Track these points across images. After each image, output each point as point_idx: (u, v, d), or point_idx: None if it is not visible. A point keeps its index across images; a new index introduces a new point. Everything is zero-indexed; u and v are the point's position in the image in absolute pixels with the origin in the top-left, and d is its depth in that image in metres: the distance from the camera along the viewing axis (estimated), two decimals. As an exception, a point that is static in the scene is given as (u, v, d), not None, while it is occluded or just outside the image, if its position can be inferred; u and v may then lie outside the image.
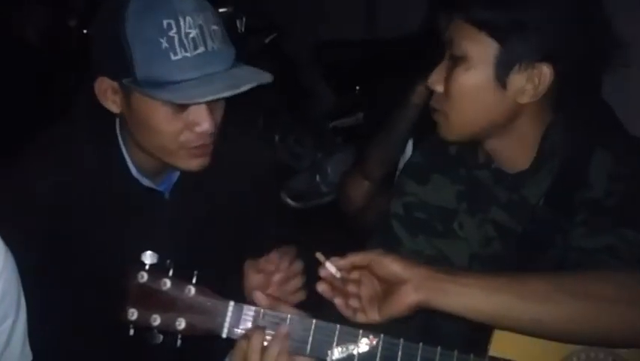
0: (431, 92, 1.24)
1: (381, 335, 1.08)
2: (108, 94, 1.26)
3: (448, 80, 1.18)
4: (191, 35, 1.18)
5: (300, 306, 1.14)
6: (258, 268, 1.36)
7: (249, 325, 1.06)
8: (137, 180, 1.36)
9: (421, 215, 1.31)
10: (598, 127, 1.27)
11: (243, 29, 3.53)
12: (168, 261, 1.07)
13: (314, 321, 1.07)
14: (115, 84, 1.24)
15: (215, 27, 1.21)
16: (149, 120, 1.24)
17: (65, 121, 1.37)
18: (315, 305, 1.16)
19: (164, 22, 1.17)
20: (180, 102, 1.20)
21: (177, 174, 1.39)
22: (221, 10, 3.44)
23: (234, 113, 1.49)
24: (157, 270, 1.05)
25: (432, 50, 2.04)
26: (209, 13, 1.22)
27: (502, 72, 1.14)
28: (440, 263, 1.30)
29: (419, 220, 1.31)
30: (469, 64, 1.15)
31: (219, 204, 1.43)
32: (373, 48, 2.95)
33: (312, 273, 1.64)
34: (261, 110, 3.34)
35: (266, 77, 1.24)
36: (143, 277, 1.05)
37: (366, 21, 3.33)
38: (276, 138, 3.17)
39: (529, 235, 1.25)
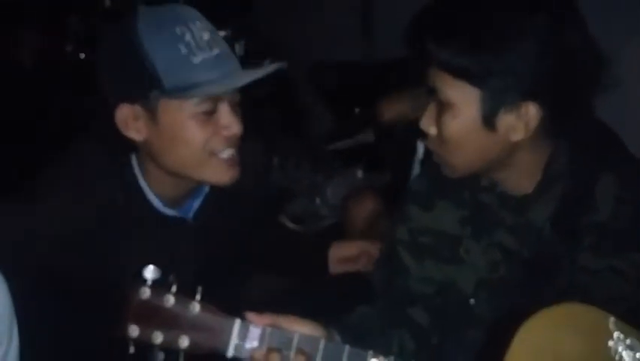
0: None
1: (392, 358, 1.05)
2: (129, 122, 1.25)
3: (438, 123, 1.17)
4: (205, 38, 1.21)
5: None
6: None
7: (256, 343, 1.02)
8: (158, 210, 1.34)
9: (427, 241, 1.30)
10: (603, 150, 1.25)
11: (242, 53, 3.54)
12: (171, 276, 1.04)
13: (322, 340, 1.04)
14: (137, 109, 1.24)
15: (218, 32, 1.26)
16: (180, 132, 1.24)
17: (78, 157, 1.35)
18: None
19: (178, 30, 1.20)
20: (215, 93, 1.21)
21: (200, 199, 1.38)
22: (219, 34, 3.44)
23: (258, 158, 1.52)
24: (160, 286, 1.02)
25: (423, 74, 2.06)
26: (208, 21, 1.26)
27: (488, 115, 1.12)
28: (448, 289, 1.29)
29: (425, 246, 1.30)
30: (455, 110, 1.14)
31: (235, 226, 1.44)
32: (372, 70, 2.96)
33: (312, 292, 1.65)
34: (260, 133, 3.32)
35: (274, 66, 1.27)
36: (146, 293, 1.02)
37: (363, 43, 3.34)
38: (275, 161, 3.15)
39: (535, 259, 1.23)
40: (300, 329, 1.04)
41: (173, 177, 1.31)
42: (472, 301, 1.28)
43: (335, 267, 1.67)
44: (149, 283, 1.02)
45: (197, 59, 1.19)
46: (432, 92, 1.18)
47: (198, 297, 1.03)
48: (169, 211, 1.36)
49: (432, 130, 1.19)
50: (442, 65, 1.13)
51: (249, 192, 1.44)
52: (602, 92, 1.18)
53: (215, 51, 1.21)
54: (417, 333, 1.28)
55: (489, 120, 1.13)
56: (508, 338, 1.05)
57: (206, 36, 1.21)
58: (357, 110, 2.86)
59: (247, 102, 3.60)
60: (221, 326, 1.02)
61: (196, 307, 1.02)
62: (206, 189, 1.39)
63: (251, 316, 1.04)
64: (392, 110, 2.29)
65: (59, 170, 1.33)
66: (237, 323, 1.03)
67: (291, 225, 2.79)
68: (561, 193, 1.21)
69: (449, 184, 1.28)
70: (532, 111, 1.12)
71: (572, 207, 1.21)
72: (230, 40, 3.44)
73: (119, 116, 1.25)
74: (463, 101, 1.13)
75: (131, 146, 1.30)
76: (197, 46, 1.19)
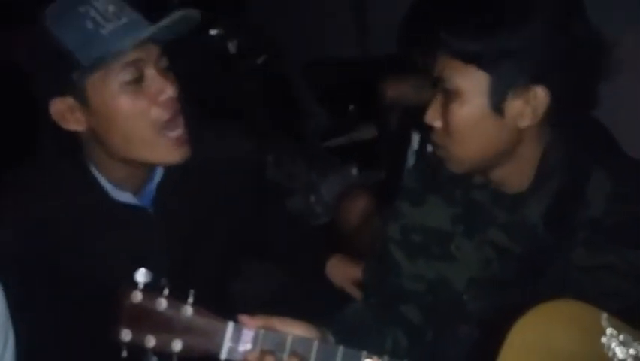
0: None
1: (386, 357, 1.05)
2: (66, 115, 1.25)
3: (445, 115, 1.16)
4: (110, 10, 1.22)
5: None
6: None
7: (249, 346, 1.02)
8: (113, 199, 1.33)
9: (418, 238, 1.29)
10: (596, 147, 1.25)
11: (235, 51, 3.53)
12: (163, 279, 1.03)
13: (316, 342, 1.03)
14: (68, 100, 1.24)
15: (126, 3, 1.25)
16: (115, 108, 1.23)
17: (29, 163, 1.36)
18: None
19: (81, 9, 1.21)
20: (124, 47, 1.20)
21: (155, 183, 1.37)
22: (212, 31, 3.44)
23: (227, 134, 1.49)
24: (152, 289, 1.02)
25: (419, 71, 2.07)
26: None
27: (497, 100, 1.12)
28: (440, 286, 1.28)
29: (416, 243, 1.29)
30: (463, 98, 1.14)
31: (207, 209, 1.41)
32: (366, 67, 2.96)
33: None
34: (253, 130, 3.32)
35: (179, 14, 1.24)
36: (137, 296, 1.01)
37: (358, 39, 3.34)
38: (270, 158, 3.15)
39: (529, 256, 1.23)
40: (294, 330, 1.04)
41: (124, 163, 1.30)
42: (465, 297, 1.28)
43: (338, 279, 1.67)
44: (141, 286, 1.02)
45: (105, 30, 1.20)
46: (436, 84, 1.17)
47: (191, 300, 1.02)
48: (126, 197, 1.34)
49: (437, 123, 1.18)
50: (452, 51, 1.12)
51: (228, 178, 1.43)
52: (604, 81, 1.18)
53: (124, 20, 1.21)
54: (409, 330, 1.28)
55: (497, 106, 1.13)
56: (502, 335, 1.05)
57: (111, 8, 1.22)
58: (351, 107, 2.85)
59: (240, 99, 3.59)
60: (214, 328, 1.02)
61: (188, 310, 1.01)
62: (159, 172, 1.37)
63: (243, 318, 1.03)
64: (395, 89, 2.27)
65: (17, 178, 1.34)
66: (230, 325, 1.02)
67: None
68: (555, 189, 1.21)
69: (441, 181, 1.27)
70: (540, 95, 1.12)
71: (565, 204, 1.21)
72: (223, 39, 3.47)
73: (54, 112, 1.25)
74: (472, 87, 1.13)
75: (77, 138, 1.29)
76: (103, 18, 1.21)
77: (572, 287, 1.20)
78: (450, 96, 1.15)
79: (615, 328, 1.07)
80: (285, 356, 1.02)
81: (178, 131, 1.27)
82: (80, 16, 1.21)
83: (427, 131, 1.25)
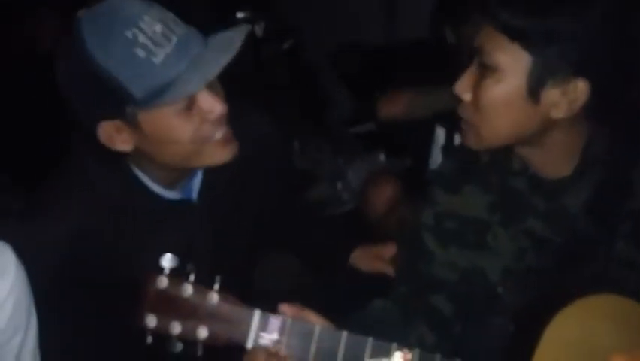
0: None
1: (417, 350, 1.02)
2: (114, 136, 1.20)
3: (476, 89, 1.12)
4: (158, 32, 1.13)
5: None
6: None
7: (276, 335, 1.00)
8: (159, 196, 1.31)
9: (453, 225, 1.25)
10: None
11: (261, 34, 3.50)
12: (189, 265, 1.01)
13: (344, 333, 1.01)
14: (117, 122, 1.19)
15: (169, 14, 1.17)
16: (168, 134, 1.19)
17: (77, 163, 1.31)
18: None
19: (129, 34, 1.12)
20: (190, 93, 1.15)
21: (198, 178, 1.35)
22: (239, 14, 3.41)
23: (259, 122, 1.47)
24: (178, 275, 1.00)
25: (447, 56, 2.03)
26: (155, 5, 1.18)
27: (535, 86, 1.07)
28: (474, 276, 1.25)
29: (450, 231, 1.25)
30: (500, 75, 1.09)
31: (246, 199, 1.41)
32: (393, 53, 2.91)
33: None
34: (279, 116, 3.30)
35: (244, 29, 1.19)
36: (163, 282, 0.99)
37: (385, 25, 3.29)
38: (296, 145, 3.13)
39: (569, 247, 1.19)
40: (322, 323, 1.02)
41: (172, 169, 1.29)
42: (499, 289, 1.24)
43: (367, 265, 1.64)
44: (167, 271, 1.00)
45: (158, 59, 1.12)
46: (474, 55, 1.12)
47: (217, 286, 1.00)
48: (171, 194, 1.33)
49: (467, 96, 1.14)
50: (499, 24, 1.07)
51: (258, 164, 1.41)
52: None
53: (174, 40, 1.14)
54: (438, 323, 1.25)
55: (534, 91, 1.08)
56: (539, 329, 1.03)
57: (158, 28, 1.13)
58: (377, 93, 2.82)
59: (266, 83, 3.57)
60: (240, 316, 1.00)
61: (214, 297, 0.99)
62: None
63: (283, 307, 1.01)
64: (389, 108, 2.27)
65: (61, 179, 1.30)
66: (257, 313, 1.00)
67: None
68: (598, 179, 1.17)
69: (476, 168, 1.23)
70: (580, 89, 1.07)
71: (608, 194, 1.16)
72: (250, 22, 3.45)
73: (101, 134, 1.20)
74: (512, 66, 1.08)
75: (122, 153, 1.26)
76: (153, 43, 1.12)
77: (612, 281, 1.16)
78: (486, 71, 1.10)
79: (658, 324, 1.03)
80: (313, 347, 0.99)
81: (223, 131, 1.23)
82: (130, 42, 1.12)
83: (452, 123, 1.21)
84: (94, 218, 1.25)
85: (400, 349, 1.01)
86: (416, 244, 1.28)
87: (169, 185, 1.32)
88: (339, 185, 2.83)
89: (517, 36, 1.06)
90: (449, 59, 2.05)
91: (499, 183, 1.23)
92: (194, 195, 1.36)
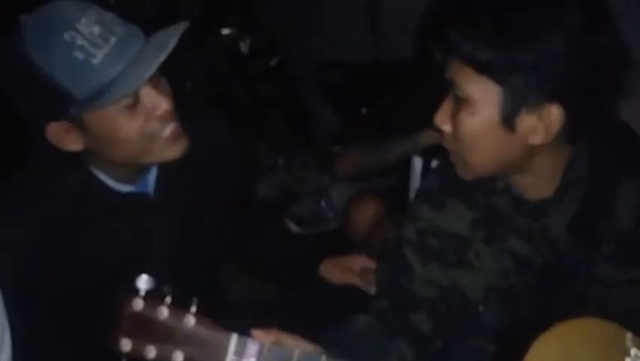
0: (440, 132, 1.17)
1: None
2: (63, 137, 1.23)
3: (454, 121, 1.12)
4: (96, 33, 1.15)
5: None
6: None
7: (253, 360, 0.98)
8: (115, 190, 1.33)
9: (435, 243, 1.25)
10: (625, 156, 1.20)
11: (246, 51, 3.51)
12: (166, 287, 1.01)
13: (323, 357, 1.00)
14: (64, 123, 1.21)
15: (108, 14, 1.19)
16: (114, 132, 1.21)
17: (32, 165, 1.33)
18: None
19: (66, 37, 1.14)
20: (131, 91, 1.16)
21: (153, 173, 1.37)
22: (224, 31, 3.42)
23: (232, 131, 1.50)
24: (154, 297, 0.98)
25: (431, 75, 2.05)
26: (94, 6, 1.20)
27: (508, 115, 1.07)
28: (454, 295, 1.24)
29: (432, 248, 1.25)
30: (473, 108, 1.09)
31: (202, 196, 1.42)
32: (378, 70, 2.92)
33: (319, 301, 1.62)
34: (263, 133, 3.30)
35: (182, 26, 1.20)
36: (139, 304, 0.97)
37: (370, 42, 3.30)
38: (280, 162, 3.13)
39: (550, 267, 1.18)
40: (300, 346, 1.01)
41: (125, 166, 1.30)
42: (481, 308, 1.24)
43: (336, 276, 1.64)
44: (142, 293, 0.98)
45: (97, 60, 1.14)
46: (449, 87, 1.12)
47: (193, 309, 0.99)
48: (127, 188, 1.34)
49: (446, 127, 1.14)
50: (464, 58, 1.07)
51: (213, 164, 1.43)
52: (627, 97, 1.13)
53: (112, 40, 1.15)
54: (417, 341, 1.24)
55: (509, 120, 1.07)
56: (521, 350, 1.02)
57: (96, 30, 1.15)
58: (363, 110, 2.82)
59: (252, 100, 3.58)
60: (217, 340, 0.98)
61: (191, 320, 0.98)
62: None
63: (257, 333, 1.00)
64: (343, 167, 2.35)
65: (19, 176, 1.32)
66: (234, 337, 0.98)
67: (294, 227, 2.77)
68: (580, 199, 1.16)
69: (461, 184, 1.23)
70: (554, 114, 1.06)
71: (591, 214, 1.16)
72: (235, 39, 3.46)
73: (49, 135, 1.22)
74: (483, 98, 1.07)
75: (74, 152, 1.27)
76: (91, 45, 1.14)
77: (595, 303, 1.16)
78: (461, 103, 1.10)
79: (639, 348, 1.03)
80: None
81: (171, 127, 1.25)
82: (68, 45, 1.14)
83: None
84: (54, 214, 1.27)
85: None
86: (397, 259, 1.28)
87: (125, 180, 1.34)
88: (322, 202, 2.82)
89: (483, 68, 1.06)
90: (435, 77, 2.07)
91: (482, 200, 1.23)
92: (151, 189, 1.37)
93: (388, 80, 2.46)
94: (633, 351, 1.03)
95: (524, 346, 1.02)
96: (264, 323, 1.03)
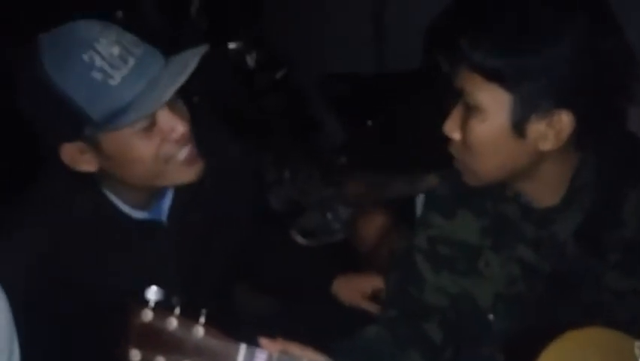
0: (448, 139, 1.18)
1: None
2: (77, 157, 1.22)
3: (464, 128, 1.13)
4: (115, 54, 1.15)
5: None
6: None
7: (262, 370, 0.98)
8: (128, 216, 1.32)
9: (445, 251, 1.25)
10: (633, 163, 1.21)
11: (253, 65, 3.53)
12: (175, 298, 1.00)
13: (332, 367, 1.00)
14: (79, 144, 1.21)
15: (127, 36, 1.19)
16: (129, 154, 1.21)
17: (44, 187, 1.33)
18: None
19: (85, 57, 1.14)
20: (148, 113, 1.16)
21: (168, 199, 1.37)
22: (231, 45, 3.44)
23: (242, 148, 1.50)
24: (163, 308, 0.99)
25: (437, 87, 2.06)
26: (113, 27, 1.19)
27: (519, 122, 1.08)
28: (464, 303, 1.24)
29: (443, 256, 1.26)
30: (484, 115, 1.09)
31: (217, 222, 1.41)
32: (383, 81, 2.93)
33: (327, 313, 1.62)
34: (269, 146, 3.32)
35: (202, 49, 1.20)
36: (148, 315, 0.98)
37: (375, 54, 3.32)
38: (286, 174, 3.13)
39: (558, 275, 1.19)
40: (309, 356, 1.01)
41: (140, 189, 1.30)
42: (490, 316, 1.24)
43: (347, 297, 1.61)
44: (152, 305, 0.99)
45: (115, 81, 1.14)
46: (459, 95, 1.13)
47: (202, 320, 0.99)
48: (140, 215, 1.33)
49: (456, 135, 1.15)
50: (473, 66, 1.08)
51: (230, 190, 1.42)
52: (637, 104, 1.13)
53: (131, 62, 1.15)
54: (429, 351, 1.24)
55: (519, 127, 1.08)
56: (530, 360, 1.02)
57: (115, 51, 1.15)
58: (369, 122, 2.83)
59: (258, 113, 3.59)
60: (226, 350, 0.98)
61: (200, 331, 0.98)
62: (172, 189, 1.37)
63: (264, 342, 1.00)
64: (354, 192, 2.39)
65: (30, 199, 1.31)
66: (243, 348, 0.99)
67: (301, 239, 2.77)
68: (588, 207, 1.17)
69: (471, 192, 1.23)
70: (565, 120, 1.07)
71: (598, 222, 1.17)
72: (242, 52, 3.48)
73: (64, 155, 1.22)
74: (493, 105, 1.08)
75: (90, 173, 1.27)
76: (110, 66, 1.14)
77: (603, 311, 1.16)
78: (471, 110, 1.11)
79: (649, 356, 1.03)
80: None
81: (187, 150, 1.24)
82: (87, 66, 1.14)
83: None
84: (64, 238, 1.26)
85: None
86: (408, 267, 1.28)
87: (138, 205, 1.33)
88: (329, 215, 2.83)
89: (493, 76, 1.07)
90: (439, 88, 2.08)
91: (492, 208, 1.23)
92: (164, 216, 1.36)
93: (393, 92, 2.47)
94: (642, 360, 1.03)
95: (533, 355, 1.02)
96: (272, 334, 1.03)
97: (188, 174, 1.26)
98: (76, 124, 1.17)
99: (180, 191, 1.35)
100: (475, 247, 1.23)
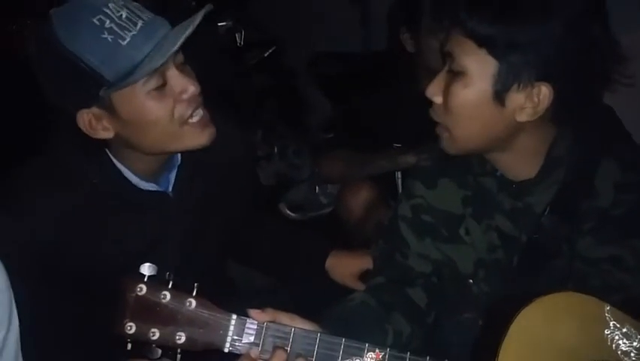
0: (430, 103, 1.22)
1: (387, 349, 1.05)
2: (94, 124, 1.26)
3: (446, 93, 1.17)
4: (124, 16, 1.20)
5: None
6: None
7: (252, 338, 1.03)
8: (136, 186, 1.36)
9: (428, 218, 1.31)
10: (604, 137, 1.25)
11: (242, 43, 3.53)
12: (168, 273, 1.04)
13: (319, 334, 1.04)
14: (95, 110, 1.25)
15: (134, 3, 1.24)
16: (144, 116, 1.25)
17: (53, 154, 1.36)
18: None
19: (95, 20, 1.19)
20: (156, 67, 1.20)
21: (174, 171, 1.41)
22: (220, 24, 3.44)
23: (232, 125, 1.51)
24: (156, 282, 1.02)
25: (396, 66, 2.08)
26: None
27: (500, 90, 1.12)
28: (446, 267, 1.30)
29: (426, 223, 1.31)
30: (467, 80, 1.14)
31: (217, 186, 1.46)
32: (370, 59, 2.94)
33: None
34: (259, 122, 3.33)
35: (204, 10, 1.24)
36: (142, 289, 1.02)
37: (362, 32, 3.33)
38: (275, 149, 3.15)
39: (534, 244, 1.23)
40: (298, 325, 1.05)
41: (151, 156, 1.34)
42: (470, 281, 1.29)
43: (339, 276, 1.64)
44: (146, 279, 1.02)
45: (125, 41, 1.18)
46: (445, 60, 1.17)
47: (194, 293, 1.03)
48: (149, 186, 1.38)
49: (437, 99, 1.19)
50: (467, 31, 1.12)
51: (231, 163, 1.47)
52: (614, 90, 1.17)
53: (140, 24, 1.20)
54: (414, 315, 1.29)
55: (499, 95, 1.13)
56: (505, 324, 1.06)
57: (124, 13, 1.20)
58: (355, 99, 2.85)
59: (247, 91, 3.58)
60: (217, 321, 1.02)
61: (192, 302, 1.02)
62: (178, 160, 1.41)
63: (253, 312, 1.04)
64: (327, 170, 2.40)
65: (40, 168, 1.34)
66: (234, 318, 1.03)
67: (289, 212, 2.80)
68: (562, 178, 1.21)
69: (453, 165, 1.28)
70: (544, 93, 1.12)
71: (572, 193, 1.21)
72: (231, 31, 3.47)
73: (81, 122, 1.26)
74: (479, 70, 1.13)
75: (102, 142, 1.31)
76: (119, 27, 1.19)
77: (576, 278, 1.20)
78: (455, 75, 1.15)
79: (618, 320, 1.07)
80: (289, 349, 1.03)
81: (199, 115, 1.29)
82: (97, 28, 1.18)
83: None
84: (72, 207, 1.30)
85: (372, 349, 1.04)
86: (393, 235, 1.33)
87: (147, 176, 1.37)
88: (317, 189, 2.85)
89: (484, 42, 1.11)
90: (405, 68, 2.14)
91: (472, 180, 1.28)
92: (170, 188, 1.41)
93: (378, 70, 2.48)
94: (612, 323, 1.07)
95: (509, 319, 1.06)
96: (262, 305, 1.06)
97: (202, 137, 1.30)
98: (92, 87, 1.20)
99: (186, 164, 1.39)
100: (457, 215, 1.28)
